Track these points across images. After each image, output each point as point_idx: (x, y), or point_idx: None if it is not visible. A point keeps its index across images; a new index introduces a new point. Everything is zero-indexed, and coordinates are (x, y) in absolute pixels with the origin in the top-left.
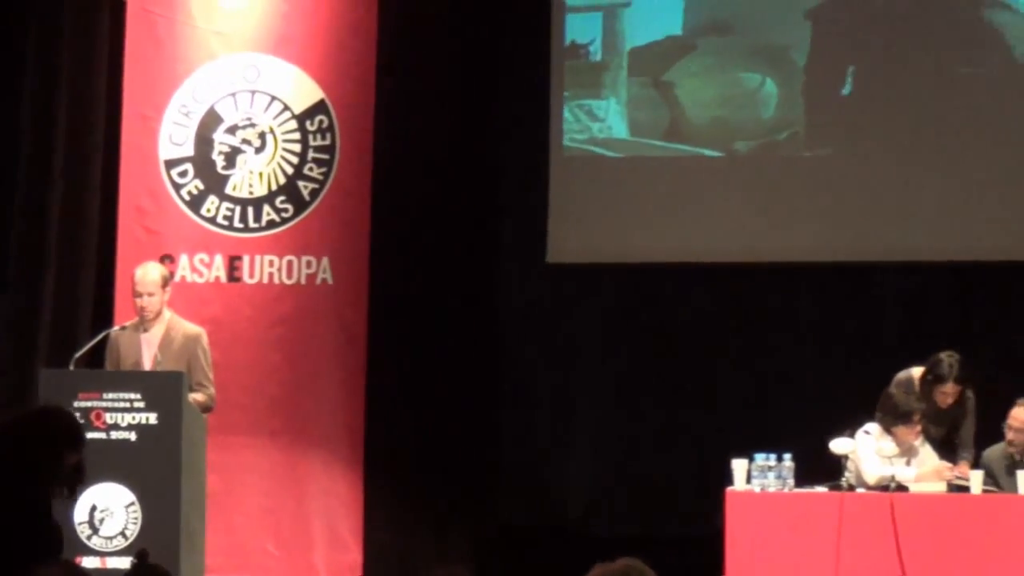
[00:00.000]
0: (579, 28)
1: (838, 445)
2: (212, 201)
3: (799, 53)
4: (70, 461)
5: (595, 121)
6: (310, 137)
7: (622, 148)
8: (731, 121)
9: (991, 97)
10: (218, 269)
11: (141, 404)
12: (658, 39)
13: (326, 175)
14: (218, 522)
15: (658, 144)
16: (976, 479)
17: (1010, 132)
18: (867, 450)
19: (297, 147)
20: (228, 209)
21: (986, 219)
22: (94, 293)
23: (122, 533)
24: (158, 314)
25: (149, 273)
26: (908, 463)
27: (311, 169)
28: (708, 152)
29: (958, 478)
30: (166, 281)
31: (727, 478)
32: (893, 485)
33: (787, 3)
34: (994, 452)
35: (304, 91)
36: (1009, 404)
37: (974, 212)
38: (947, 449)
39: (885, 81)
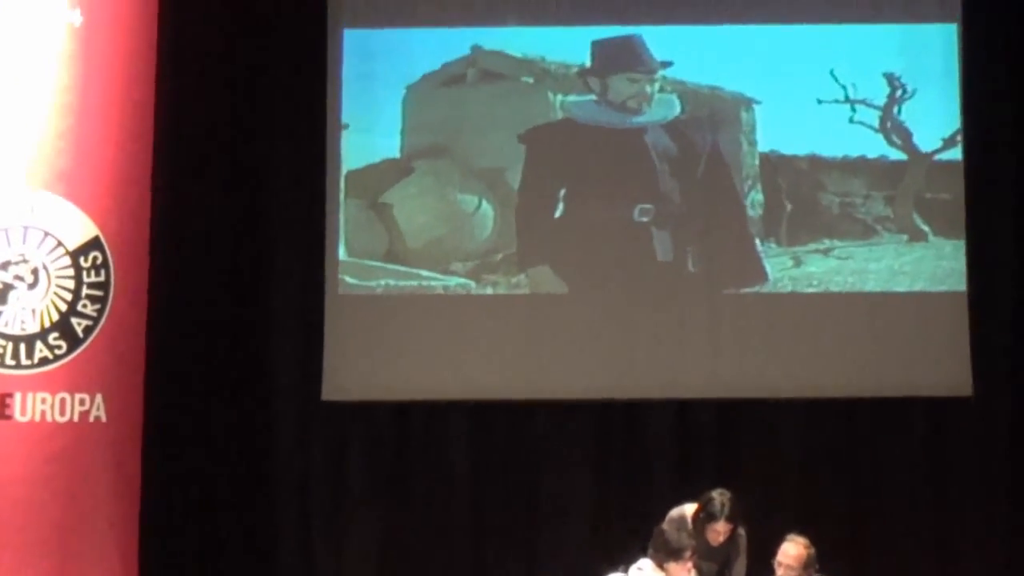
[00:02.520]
0: None
1: None
2: None
3: (513, 175)
4: None
5: None
6: (84, 273)
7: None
8: (448, 243)
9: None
10: None
11: None
12: (375, 162)
13: (100, 312)
14: None
15: (376, 265)
16: None
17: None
18: None
19: (71, 283)
20: (0, 346)
21: (741, 354)
22: None
23: None
24: None
25: None
26: None
27: (85, 306)
28: (425, 272)
29: None
30: None
31: None
32: None
33: (502, 126)
34: None
35: (78, 227)
36: (779, 541)
37: (723, 347)
38: None
39: (595, 204)
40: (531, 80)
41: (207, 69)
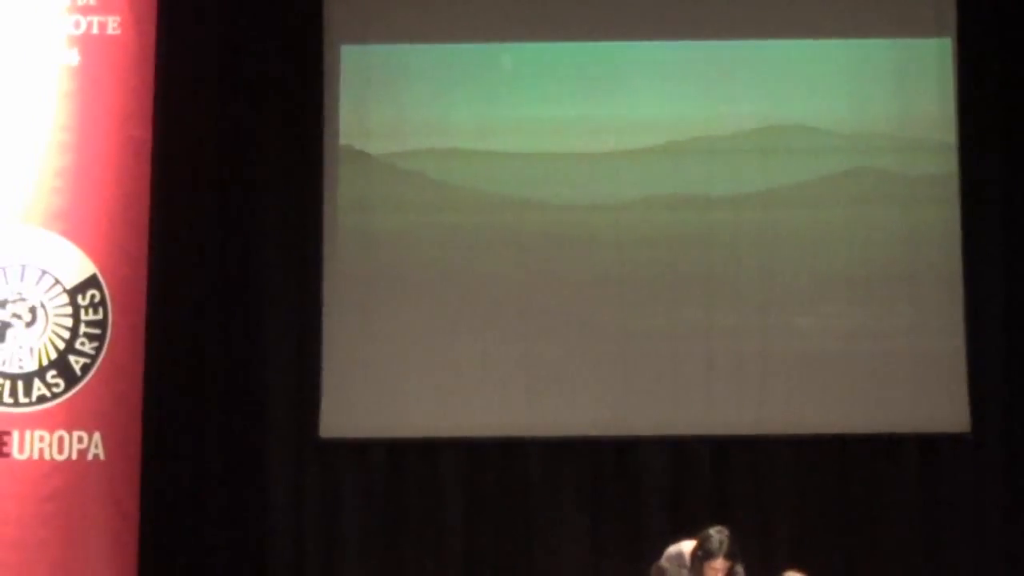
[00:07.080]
0: None
1: None
2: None
3: None
4: None
5: None
6: (82, 311)
7: None
8: None
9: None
10: None
11: None
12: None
13: (98, 350)
14: None
15: None
16: None
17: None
18: None
19: (68, 321)
20: None
21: (737, 392)
22: None
23: None
24: None
25: None
26: None
27: (83, 343)
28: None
29: None
30: None
31: None
32: None
33: None
34: None
35: (76, 265)
36: None
37: (717, 384)
38: None
39: None
40: None
41: (205, 107)
